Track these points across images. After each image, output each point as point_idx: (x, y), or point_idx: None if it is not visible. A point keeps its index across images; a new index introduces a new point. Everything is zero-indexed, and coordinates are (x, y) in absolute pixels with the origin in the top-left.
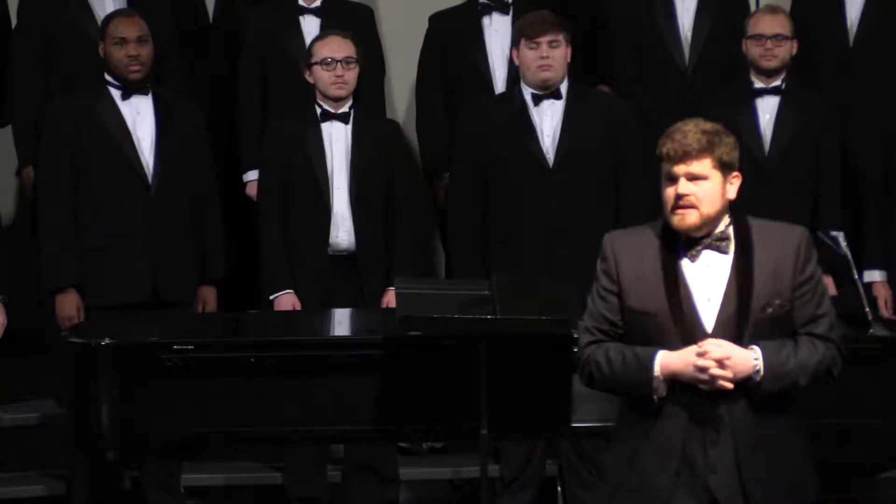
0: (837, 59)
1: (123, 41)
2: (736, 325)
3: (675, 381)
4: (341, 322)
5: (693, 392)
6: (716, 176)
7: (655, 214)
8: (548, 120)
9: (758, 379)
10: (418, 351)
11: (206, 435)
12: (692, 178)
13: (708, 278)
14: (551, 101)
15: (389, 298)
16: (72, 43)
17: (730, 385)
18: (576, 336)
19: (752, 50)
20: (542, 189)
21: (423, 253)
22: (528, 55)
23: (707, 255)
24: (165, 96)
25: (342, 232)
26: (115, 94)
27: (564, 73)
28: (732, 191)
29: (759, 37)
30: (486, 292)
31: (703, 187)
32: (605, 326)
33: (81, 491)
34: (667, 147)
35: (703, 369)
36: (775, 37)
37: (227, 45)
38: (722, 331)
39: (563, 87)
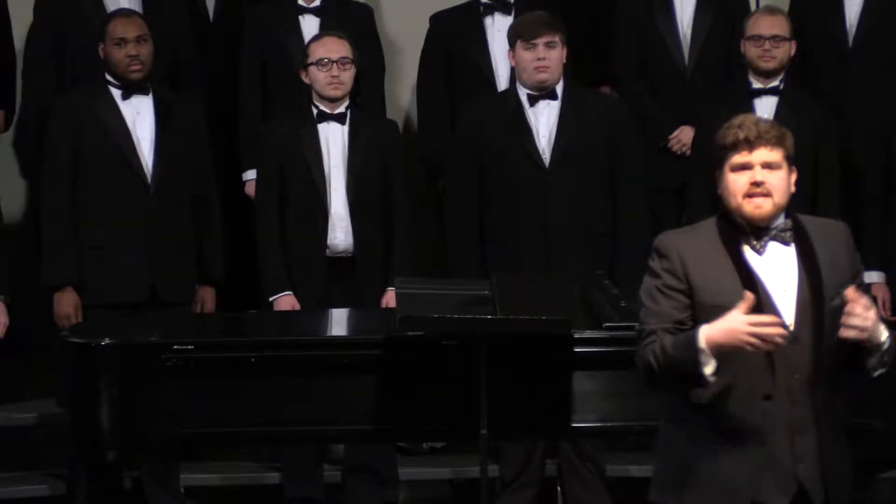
0: (837, 60)
1: (123, 41)
2: (814, 316)
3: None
4: (341, 322)
5: (773, 382)
6: (785, 167)
7: (653, 214)
8: (543, 120)
9: (885, 347)
10: (418, 351)
11: (206, 435)
12: (766, 166)
13: (778, 270)
14: (547, 101)
15: (389, 299)
16: (85, 42)
17: (778, 342)
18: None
19: (751, 51)
20: (538, 189)
21: (421, 253)
22: (525, 56)
23: (773, 247)
24: (166, 96)
25: (340, 233)
26: (116, 93)
27: (561, 74)
28: (792, 184)
29: (758, 38)
30: (486, 292)
31: (777, 176)
32: (670, 326)
33: (81, 491)
34: (743, 133)
35: (754, 333)
36: (773, 38)
37: (227, 45)
38: (802, 322)
39: (559, 88)
